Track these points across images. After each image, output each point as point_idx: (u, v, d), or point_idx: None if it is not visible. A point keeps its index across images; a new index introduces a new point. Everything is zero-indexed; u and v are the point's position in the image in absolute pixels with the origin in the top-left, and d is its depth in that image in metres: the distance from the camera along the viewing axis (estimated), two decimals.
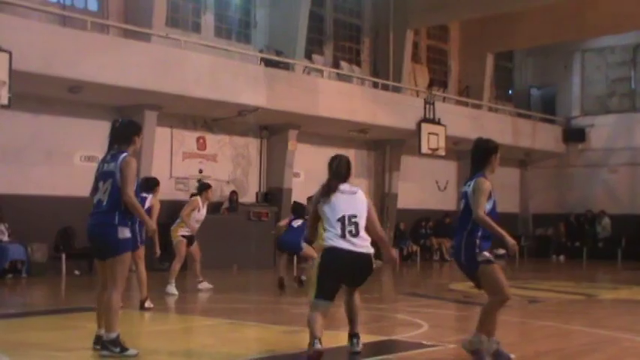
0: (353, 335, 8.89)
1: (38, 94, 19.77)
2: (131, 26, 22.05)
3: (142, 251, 13.14)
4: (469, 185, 8.52)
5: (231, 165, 25.37)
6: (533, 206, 35.93)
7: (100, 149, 21.06)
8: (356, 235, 8.45)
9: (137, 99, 21.25)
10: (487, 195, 8.38)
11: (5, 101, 17.33)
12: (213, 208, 23.76)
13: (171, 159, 23.65)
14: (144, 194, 13.60)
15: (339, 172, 8.93)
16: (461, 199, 8.70)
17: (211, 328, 11.78)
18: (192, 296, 16.24)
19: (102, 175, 8.85)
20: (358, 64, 30.29)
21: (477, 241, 8.32)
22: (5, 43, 17.26)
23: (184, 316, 13.64)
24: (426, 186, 30.93)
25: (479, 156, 8.82)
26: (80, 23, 20.76)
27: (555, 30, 31.50)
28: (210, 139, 24.73)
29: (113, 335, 8.39)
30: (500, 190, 34.17)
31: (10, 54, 17.21)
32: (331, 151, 26.82)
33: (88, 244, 9.40)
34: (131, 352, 8.37)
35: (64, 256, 20.43)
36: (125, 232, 8.63)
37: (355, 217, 8.62)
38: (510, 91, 37.54)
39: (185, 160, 23.97)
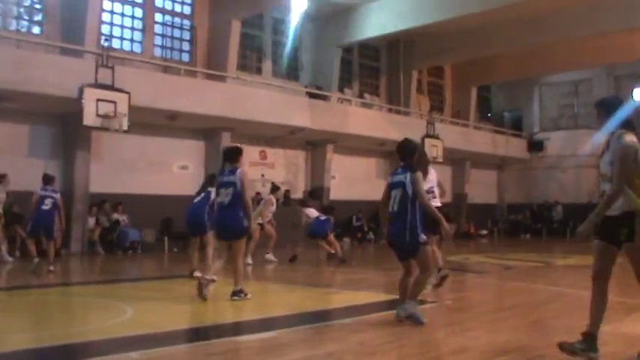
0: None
1: (146, 121, 20.02)
2: (212, 71, 22.38)
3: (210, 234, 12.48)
4: (405, 177, 7.83)
5: (284, 170, 25.63)
6: (507, 198, 36.11)
7: (190, 161, 21.91)
8: None
9: (216, 124, 21.59)
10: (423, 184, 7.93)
11: (125, 127, 17.83)
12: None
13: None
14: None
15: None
16: (392, 188, 7.92)
17: (272, 291, 11.96)
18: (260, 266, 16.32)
19: (223, 184, 9.73)
20: (377, 95, 30.44)
21: (419, 226, 7.73)
22: (126, 87, 17.84)
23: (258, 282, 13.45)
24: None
25: (409, 153, 8.04)
26: (176, 70, 21.29)
27: (521, 69, 31.76)
28: (269, 151, 25.02)
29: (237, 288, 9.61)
30: (483, 187, 34.54)
31: (129, 94, 17.84)
32: (359, 160, 27.67)
33: (215, 229, 10.30)
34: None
35: (166, 238, 20.93)
36: (245, 222, 9.65)
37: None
38: (489, 114, 37.57)
39: (251, 167, 24.06)
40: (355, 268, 15.99)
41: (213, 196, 11.97)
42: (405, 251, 7.88)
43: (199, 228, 12.78)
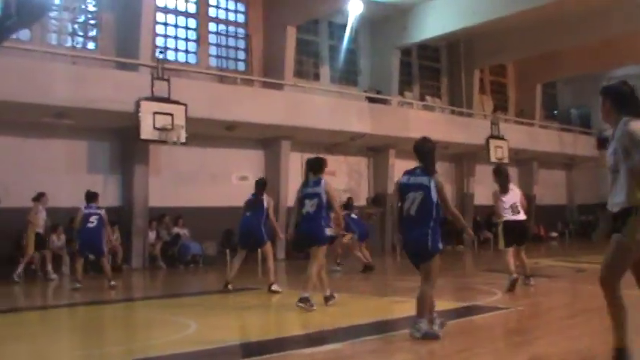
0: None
1: (204, 133, 19.91)
2: (269, 79, 22.29)
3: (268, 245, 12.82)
4: (429, 181, 7.25)
5: (346, 177, 25.32)
6: (577, 199, 35.20)
7: (250, 171, 21.78)
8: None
9: (275, 133, 21.48)
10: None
11: (183, 139, 17.82)
12: None
13: (302, 175, 23.68)
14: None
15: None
16: (410, 190, 7.29)
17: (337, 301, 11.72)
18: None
19: (308, 195, 10.00)
20: (439, 97, 30.02)
21: (439, 232, 7.23)
22: (183, 99, 17.83)
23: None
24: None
25: (428, 153, 7.42)
26: (233, 80, 21.29)
27: (587, 63, 30.77)
28: (331, 158, 24.51)
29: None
30: (551, 187, 33.74)
31: (186, 106, 17.80)
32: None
33: (298, 237, 10.64)
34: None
35: (227, 250, 20.83)
36: (327, 231, 10.00)
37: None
38: (555, 112, 36.73)
39: None
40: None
41: (266, 204, 12.69)
42: (422, 257, 7.28)
43: (256, 240, 12.77)
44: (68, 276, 16.72)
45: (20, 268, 15.90)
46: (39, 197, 16.23)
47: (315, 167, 10.30)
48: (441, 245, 7.26)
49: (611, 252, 5.52)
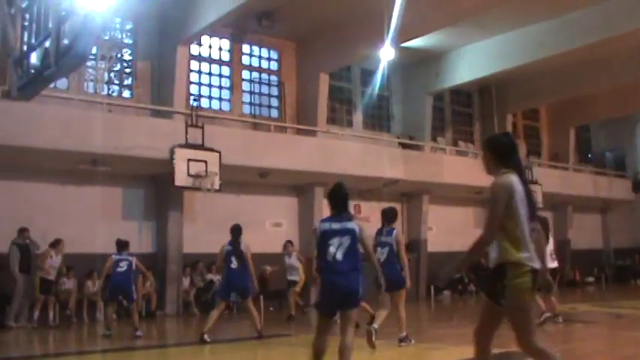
0: None
1: (238, 179, 19.98)
2: (302, 126, 22.42)
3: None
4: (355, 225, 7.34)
5: (380, 223, 25.17)
6: (613, 242, 34.69)
7: (283, 217, 21.83)
8: None
9: (308, 179, 21.49)
10: None
11: (217, 186, 17.95)
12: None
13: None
14: None
15: None
16: (334, 237, 7.24)
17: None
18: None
19: (381, 244, 11.22)
20: (472, 142, 29.90)
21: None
22: (216, 146, 17.98)
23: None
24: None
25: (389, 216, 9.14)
26: (266, 127, 21.40)
27: (621, 105, 30.57)
28: (364, 205, 24.44)
29: None
30: (587, 231, 33.30)
31: (220, 153, 17.94)
32: (455, 209, 27.10)
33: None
34: None
35: (261, 297, 20.76)
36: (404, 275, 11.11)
37: None
38: (589, 155, 36.46)
39: None
40: (457, 321, 15.43)
41: (245, 251, 12.87)
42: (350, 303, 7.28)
43: (243, 292, 12.96)
44: (102, 322, 16.73)
45: (35, 315, 16.07)
46: (55, 243, 16.40)
47: (390, 217, 11.67)
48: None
49: None
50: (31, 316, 16.10)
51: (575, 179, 30.95)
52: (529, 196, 5.32)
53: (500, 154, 5.46)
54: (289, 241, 18.27)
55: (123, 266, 13.81)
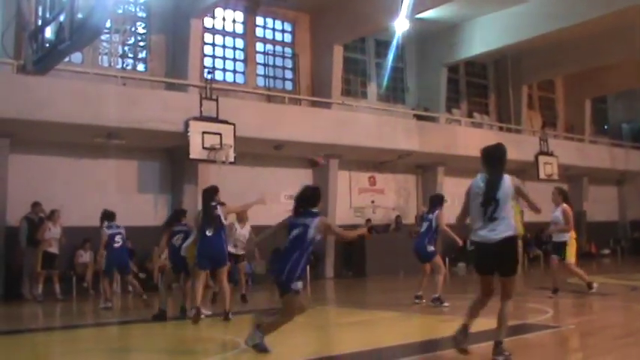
0: None
1: (253, 152, 20.10)
2: (316, 98, 22.44)
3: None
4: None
5: (395, 196, 25.25)
6: (629, 215, 34.54)
7: (298, 190, 21.83)
8: None
9: (323, 151, 21.50)
10: None
11: (232, 159, 17.98)
12: (383, 228, 24.01)
13: (350, 194, 23.76)
14: None
15: None
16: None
17: (387, 319, 11.60)
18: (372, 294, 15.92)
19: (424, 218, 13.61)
20: (487, 113, 29.87)
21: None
22: (231, 118, 18.01)
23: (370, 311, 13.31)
24: (544, 203, 30.07)
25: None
26: (280, 99, 21.41)
27: (637, 77, 30.24)
28: (379, 177, 24.68)
29: None
30: (603, 204, 33.21)
31: (234, 125, 17.98)
32: (470, 181, 26.96)
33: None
34: None
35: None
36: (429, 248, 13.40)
37: None
38: (606, 127, 36.22)
39: (360, 194, 24.07)
40: (471, 294, 15.45)
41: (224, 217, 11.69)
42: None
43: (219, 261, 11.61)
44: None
45: (38, 288, 16.18)
46: (50, 215, 16.35)
47: (434, 201, 13.80)
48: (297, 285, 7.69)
49: None
50: (36, 289, 16.23)
51: (591, 151, 30.82)
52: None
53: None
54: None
55: (118, 241, 14.10)
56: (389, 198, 24.97)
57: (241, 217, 14.88)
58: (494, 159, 7.53)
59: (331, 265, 22.23)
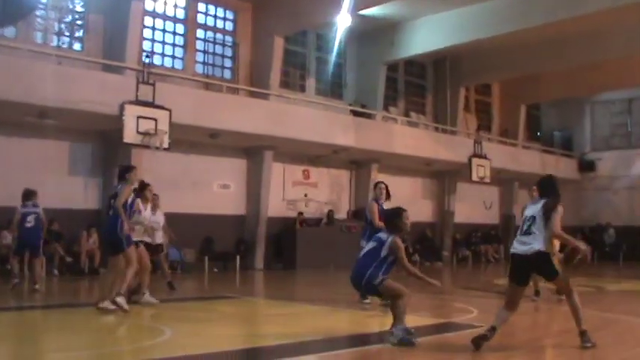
0: None
1: (188, 139, 19.96)
2: (255, 89, 22.28)
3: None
4: (387, 238, 8.02)
5: (328, 190, 25.34)
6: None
7: (232, 179, 21.86)
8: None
9: (258, 142, 21.46)
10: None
11: (166, 145, 17.83)
12: (315, 222, 24.11)
13: (284, 186, 23.79)
14: None
15: None
16: (371, 240, 8.21)
17: (314, 313, 11.60)
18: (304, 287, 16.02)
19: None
20: (423, 113, 30.12)
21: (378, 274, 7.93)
22: (167, 104, 17.82)
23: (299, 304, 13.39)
24: (475, 205, 30.66)
25: (389, 218, 8.39)
26: (218, 87, 21.25)
27: (572, 87, 31.24)
28: (313, 171, 24.77)
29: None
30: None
31: (170, 111, 17.80)
32: (404, 180, 27.31)
33: None
34: None
35: (206, 258, 20.82)
36: None
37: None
38: (538, 133, 36.94)
39: (294, 187, 24.14)
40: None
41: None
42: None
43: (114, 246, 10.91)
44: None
45: None
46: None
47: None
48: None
49: None
50: None
51: (523, 156, 31.46)
52: None
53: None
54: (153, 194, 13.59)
55: (30, 221, 13.81)
56: (322, 192, 25.07)
57: (153, 204, 13.36)
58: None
59: (261, 256, 22.22)
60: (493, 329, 7.45)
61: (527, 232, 7.69)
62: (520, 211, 8.52)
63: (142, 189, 12.31)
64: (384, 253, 7.91)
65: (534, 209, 7.81)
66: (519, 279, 7.77)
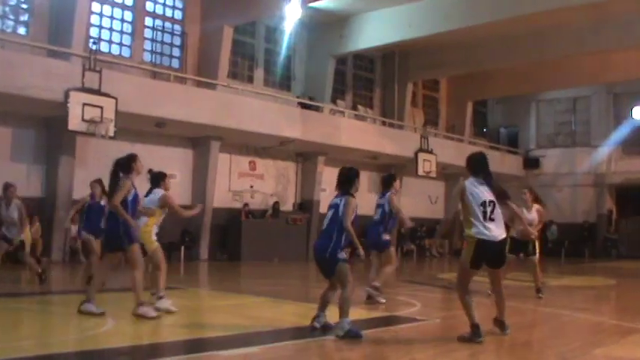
0: None
1: (134, 128, 19.89)
2: (202, 78, 22.30)
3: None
4: (340, 200, 8.31)
5: (274, 182, 25.52)
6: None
7: (178, 169, 21.82)
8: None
9: (205, 132, 21.59)
10: (354, 210, 8.26)
11: (112, 134, 17.84)
12: (260, 214, 24.25)
13: (230, 177, 23.93)
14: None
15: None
16: (330, 209, 8.37)
17: (258, 304, 11.62)
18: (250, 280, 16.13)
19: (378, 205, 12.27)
20: (371, 107, 30.41)
21: (341, 244, 8.10)
22: (113, 92, 17.80)
23: (238, 295, 13.45)
24: (421, 200, 30.94)
25: (345, 179, 8.49)
26: (166, 76, 21.19)
27: (518, 85, 31.98)
28: (259, 162, 24.91)
29: None
30: None
31: (116, 99, 17.77)
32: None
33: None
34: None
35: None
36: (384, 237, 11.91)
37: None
38: (485, 129, 37.61)
39: (240, 178, 24.27)
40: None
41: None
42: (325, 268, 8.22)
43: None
44: None
45: None
46: None
47: (386, 182, 12.36)
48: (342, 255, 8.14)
49: None
50: None
51: (469, 151, 31.36)
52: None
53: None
54: (10, 184, 13.31)
55: None
56: (268, 184, 25.21)
57: (8, 196, 12.88)
58: (486, 165, 8.59)
59: (206, 247, 22.31)
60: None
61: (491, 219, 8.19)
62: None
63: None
64: (341, 212, 8.20)
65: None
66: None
